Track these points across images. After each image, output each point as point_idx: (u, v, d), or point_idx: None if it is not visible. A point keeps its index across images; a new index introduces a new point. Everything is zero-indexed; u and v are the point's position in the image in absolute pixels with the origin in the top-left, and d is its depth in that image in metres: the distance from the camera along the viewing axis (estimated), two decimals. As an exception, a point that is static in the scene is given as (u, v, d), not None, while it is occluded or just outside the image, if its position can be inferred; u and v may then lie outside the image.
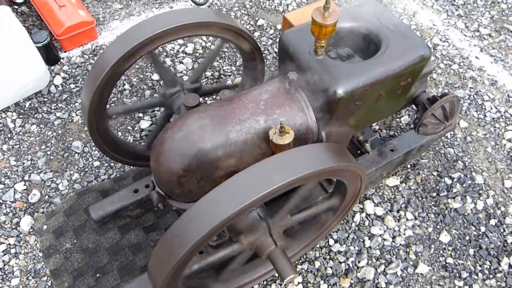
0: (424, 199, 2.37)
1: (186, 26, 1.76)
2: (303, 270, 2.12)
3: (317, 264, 2.14)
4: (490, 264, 2.18)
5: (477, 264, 2.18)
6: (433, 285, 2.11)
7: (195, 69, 2.30)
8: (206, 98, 2.72)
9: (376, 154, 2.20)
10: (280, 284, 2.08)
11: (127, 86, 2.79)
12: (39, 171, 2.41)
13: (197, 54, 2.98)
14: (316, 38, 1.64)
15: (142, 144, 2.53)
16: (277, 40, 3.05)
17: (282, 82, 1.78)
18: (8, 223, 2.23)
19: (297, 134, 1.70)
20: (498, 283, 2.12)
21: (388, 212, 2.32)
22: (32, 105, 2.68)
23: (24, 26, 2.69)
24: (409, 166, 2.49)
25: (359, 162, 2.15)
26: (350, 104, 1.70)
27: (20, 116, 2.63)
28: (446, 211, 2.33)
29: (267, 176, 1.33)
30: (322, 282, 2.09)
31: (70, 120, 2.63)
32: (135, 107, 2.15)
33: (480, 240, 2.25)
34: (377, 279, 2.11)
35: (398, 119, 2.68)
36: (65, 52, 2.96)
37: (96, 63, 1.76)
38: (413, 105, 2.23)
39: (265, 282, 2.08)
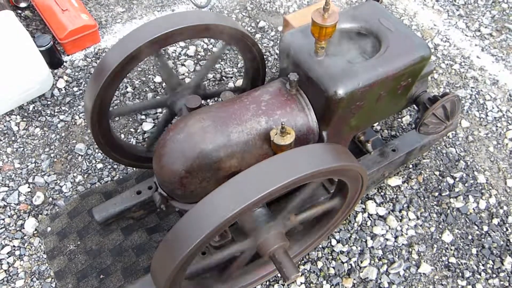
0: (426, 199, 2.38)
1: (188, 28, 1.77)
2: (306, 271, 2.13)
3: (320, 264, 2.15)
4: (493, 264, 2.18)
5: (480, 264, 2.18)
6: (435, 284, 2.11)
7: (197, 71, 2.31)
8: (208, 100, 2.74)
9: (378, 154, 2.21)
10: (283, 285, 2.08)
11: (129, 89, 2.81)
12: (43, 173, 2.43)
13: (199, 56, 2.99)
14: (316, 39, 1.65)
15: (145, 145, 2.55)
16: (278, 41, 3.06)
17: (283, 83, 1.79)
18: (13, 225, 2.24)
19: (298, 135, 1.71)
20: (501, 282, 2.12)
21: (390, 212, 2.33)
22: (35, 108, 2.70)
23: (27, 30, 2.71)
24: (411, 166, 2.49)
25: (360, 162, 2.16)
26: (350, 104, 1.71)
27: (24, 119, 2.65)
28: (449, 211, 2.33)
29: (268, 176, 1.34)
30: (324, 282, 2.10)
31: (73, 123, 2.65)
32: (138, 107, 2.16)
33: (483, 240, 2.25)
34: (380, 279, 2.12)
35: (399, 119, 2.69)
36: (68, 55, 2.98)
37: (98, 66, 1.78)
38: (414, 105, 2.23)
39: (267, 283, 2.08)
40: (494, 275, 2.15)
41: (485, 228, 2.29)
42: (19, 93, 2.59)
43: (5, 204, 2.31)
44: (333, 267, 2.14)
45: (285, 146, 1.56)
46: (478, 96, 2.82)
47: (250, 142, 1.66)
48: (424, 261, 2.17)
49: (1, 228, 2.23)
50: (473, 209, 2.35)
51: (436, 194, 2.39)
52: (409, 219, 2.30)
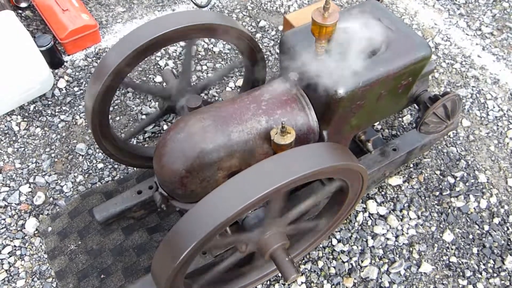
0: (427, 198, 2.37)
1: (188, 28, 1.77)
2: (306, 270, 2.13)
3: (320, 264, 2.15)
4: (494, 263, 2.17)
5: (481, 263, 2.17)
6: (436, 284, 2.11)
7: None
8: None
9: (378, 153, 2.20)
10: (284, 284, 2.08)
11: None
12: (43, 173, 2.43)
13: (199, 56, 2.99)
14: (316, 39, 1.65)
15: (146, 146, 2.55)
16: (279, 41, 3.06)
17: (283, 82, 1.79)
18: (14, 225, 2.25)
19: (299, 134, 1.71)
20: (502, 281, 2.12)
21: (391, 211, 2.32)
22: (36, 108, 2.70)
23: (28, 30, 2.71)
24: (411, 165, 2.49)
25: (361, 161, 2.15)
26: (351, 103, 1.71)
27: (25, 119, 2.65)
28: (449, 210, 2.33)
29: (269, 176, 1.34)
30: (325, 281, 2.10)
31: (74, 123, 2.65)
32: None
33: (484, 239, 2.25)
34: (381, 279, 2.11)
35: (400, 118, 2.69)
36: (68, 55, 2.98)
37: (99, 66, 1.78)
38: (415, 104, 2.23)
39: (268, 282, 2.08)
40: (495, 275, 2.14)
41: (486, 227, 2.28)
42: (19, 93, 2.59)
43: (6, 204, 2.32)
44: (334, 267, 2.14)
45: (285, 146, 1.56)
46: (479, 95, 2.82)
47: (251, 141, 1.66)
48: (425, 261, 2.17)
49: (2, 228, 2.24)
50: (474, 208, 2.34)
51: (437, 193, 2.39)
52: (410, 219, 2.30)
